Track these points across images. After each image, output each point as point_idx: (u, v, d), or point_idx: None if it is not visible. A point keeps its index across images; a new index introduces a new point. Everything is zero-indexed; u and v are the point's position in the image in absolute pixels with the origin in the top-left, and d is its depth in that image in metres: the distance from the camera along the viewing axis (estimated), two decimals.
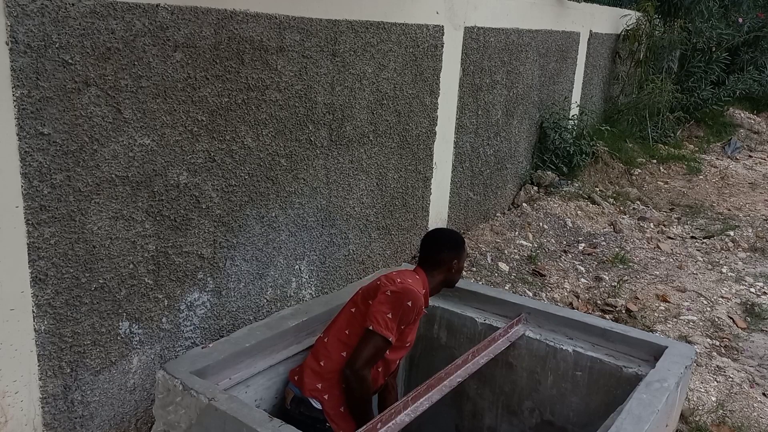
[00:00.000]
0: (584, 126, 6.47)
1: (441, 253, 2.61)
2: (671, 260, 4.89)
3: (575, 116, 6.45)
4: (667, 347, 2.60)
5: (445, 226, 4.60)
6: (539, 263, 4.49)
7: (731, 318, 4.07)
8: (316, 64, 3.07)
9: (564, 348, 2.75)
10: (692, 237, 5.48)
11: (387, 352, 2.38)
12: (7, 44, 1.93)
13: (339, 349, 2.41)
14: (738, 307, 4.23)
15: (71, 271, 2.24)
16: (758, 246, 5.28)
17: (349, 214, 3.54)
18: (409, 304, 2.32)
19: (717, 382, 3.39)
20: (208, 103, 2.59)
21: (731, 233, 5.46)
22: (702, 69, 8.50)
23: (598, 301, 4.18)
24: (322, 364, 2.41)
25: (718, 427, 3.06)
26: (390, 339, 2.29)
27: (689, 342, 3.70)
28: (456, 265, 2.64)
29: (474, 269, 4.22)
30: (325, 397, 2.35)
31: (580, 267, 4.60)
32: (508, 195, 5.58)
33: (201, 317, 2.78)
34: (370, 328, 2.30)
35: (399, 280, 2.39)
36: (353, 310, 2.46)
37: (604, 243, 5.04)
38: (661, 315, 4.03)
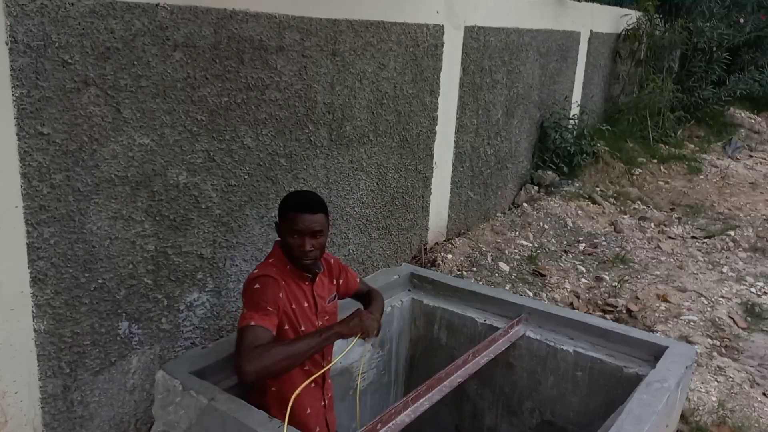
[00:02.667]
0: (585, 126, 6.47)
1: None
2: (672, 260, 4.89)
3: (576, 116, 6.45)
4: (667, 347, 2.59)
5: (446, 227, 4.60)
6: (540, 263, 4.49)
7: (732, 318, 4.06)
8: (316, 63, 3.07)
9: (564, 348, 2.75)
10: (693, 237, 5.48)
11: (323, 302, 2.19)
12: (7, 44, 1.92)
13: None
14: (738, 307, 4.22)
15: (71, 271, 2.24)
16: (759, 246, 5.27)
17: (349, 214, 3.54)
18: (257, 286, 2.07)
19: (717, 382, 3.38)
20: (208, 103, 2.59)
21: (732, 233, 5.45)
22: (703, 69, 8.50)
23: (599, 301, 4.17)
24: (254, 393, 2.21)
25: (719, 428, 3.05)
26: (252, 323, 1.99)
27: (690, 342, 3.69)
28: (279, 229, 2.16)
29: (474, 269, 4.22)
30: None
31: (581, 267, 4.59)
32: (509, 195, 5.58)
33: (201, 317, 2.78)
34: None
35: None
36: None
37: (604, 243, 5.03)
38: (661, 315, 4.02)
